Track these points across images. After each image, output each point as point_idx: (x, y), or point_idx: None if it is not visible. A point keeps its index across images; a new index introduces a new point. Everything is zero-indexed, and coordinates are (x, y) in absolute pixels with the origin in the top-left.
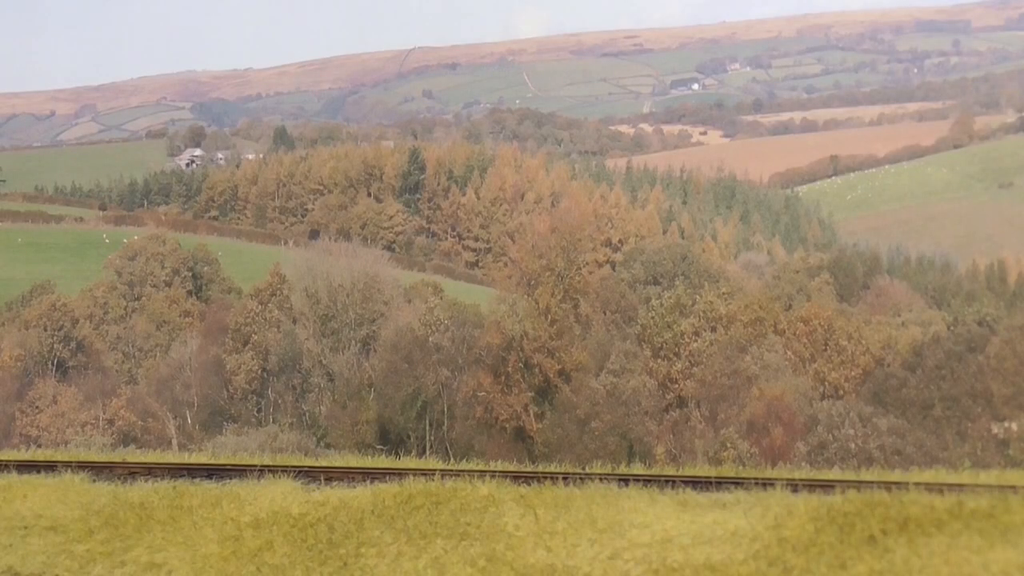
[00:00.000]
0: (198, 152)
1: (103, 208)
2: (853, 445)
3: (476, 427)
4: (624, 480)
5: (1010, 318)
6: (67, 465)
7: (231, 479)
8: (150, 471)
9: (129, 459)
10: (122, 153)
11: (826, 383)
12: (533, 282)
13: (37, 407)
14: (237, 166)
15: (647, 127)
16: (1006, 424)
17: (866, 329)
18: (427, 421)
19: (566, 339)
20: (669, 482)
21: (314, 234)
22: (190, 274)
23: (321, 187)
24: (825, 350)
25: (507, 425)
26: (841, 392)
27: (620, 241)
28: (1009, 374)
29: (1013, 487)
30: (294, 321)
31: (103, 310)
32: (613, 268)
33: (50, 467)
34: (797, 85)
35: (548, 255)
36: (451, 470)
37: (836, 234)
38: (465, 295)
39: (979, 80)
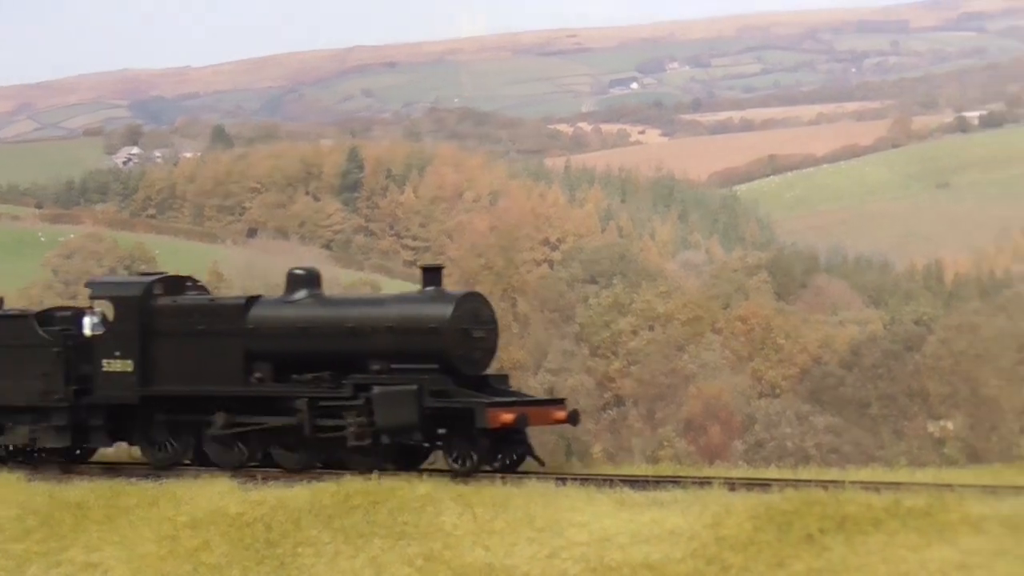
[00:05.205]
0: (136, 150)
1: (40, 206)
2: (790, 443)
3: None
4: (562, 479)
5: (947, 317)
6: (2, 463)
7: (168, 478)
8: (87, 470)
9: None
10: (59, 151)
11: (764, 381)
12: (472, 281)
13: None
14: (175, 164)
15: (586, 126)
16: (942, 423)
17: (804, 328)
18: None
19: (504, 338)
20: (607, 481)
21: (252, 232)
22: (127, 272)
23: (259, 185)
24: (763, 349)
25: None
26: (779, 390)
27: (559, 240)
28: (945, 373)
29: (950, 485)
30: None
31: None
32: (551, 267)
33: None
34: (736, 84)
35: (487, 254)
36: (389, 469)
37: (774, 233)
38: None
39: (918, 80)
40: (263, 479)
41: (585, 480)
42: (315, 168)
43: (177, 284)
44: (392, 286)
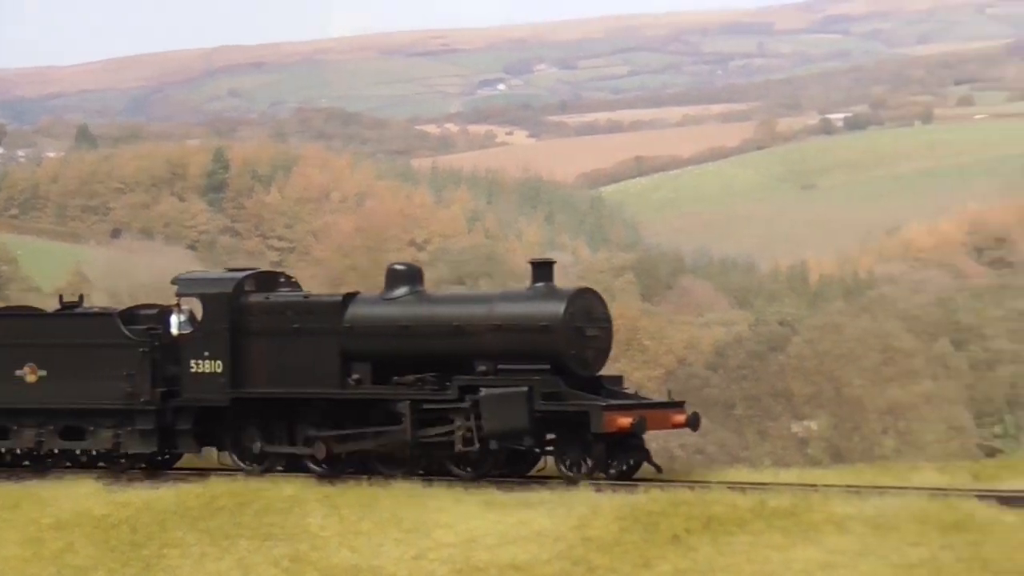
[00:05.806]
0: None
1: None
2: (655, 444)
3: None
4: (428, 480)
5: (811, 318)
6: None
7: (31, 480)
8: None
9: None
10: None
11: (629, 382)
12: (338, 281)
13: None
14: (38, 164)
15: (453, 127)
16: (806, 423)
17: (669, 329)
18: None
19: None
20: (474, 482)
21: (116, 233)
22: None
23: (124, 186)
24: (628, 350)
25: None
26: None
27: (425, 241)
28: (810, 373)
29: (814, 486)
30: None
31: None
32: None
33: None
34: (604, 86)
35: (353, 254)
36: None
37: (641, 234)
38: None
39: (782, 82)
40: (128, 480)
41: (452, 481)
42: (180, 168)
43: (269, 280)
44: None
